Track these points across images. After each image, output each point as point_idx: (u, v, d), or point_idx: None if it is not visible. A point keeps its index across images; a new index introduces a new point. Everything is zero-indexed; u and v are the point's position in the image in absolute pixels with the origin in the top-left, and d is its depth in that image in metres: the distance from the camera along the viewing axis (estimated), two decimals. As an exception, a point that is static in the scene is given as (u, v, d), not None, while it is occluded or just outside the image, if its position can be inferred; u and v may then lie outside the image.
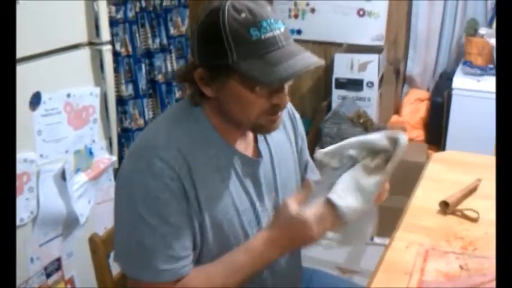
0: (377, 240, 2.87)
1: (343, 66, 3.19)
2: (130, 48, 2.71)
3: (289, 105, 1.40)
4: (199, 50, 1.11)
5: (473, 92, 2.86)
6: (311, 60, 1.10)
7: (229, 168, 1.19)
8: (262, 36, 1.05)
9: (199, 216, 1.14)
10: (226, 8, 1.06)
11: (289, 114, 1.39)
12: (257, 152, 1.27)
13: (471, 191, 1.69)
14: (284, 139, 1.35)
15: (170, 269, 1.11)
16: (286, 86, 1.14)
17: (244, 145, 1.24)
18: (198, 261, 1.18)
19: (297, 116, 1.42)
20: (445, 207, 1.58)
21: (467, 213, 1.56)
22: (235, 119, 1.16)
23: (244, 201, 1.21)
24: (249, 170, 1.23)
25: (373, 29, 3.41)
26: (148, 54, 2.86)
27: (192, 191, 1.12)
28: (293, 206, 1.12)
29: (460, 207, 1.60)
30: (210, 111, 1.18)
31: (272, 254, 1.16)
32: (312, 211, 1.11)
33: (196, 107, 1.19)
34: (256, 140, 1.28)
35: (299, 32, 3.54)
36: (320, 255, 2.52)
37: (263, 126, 1.16)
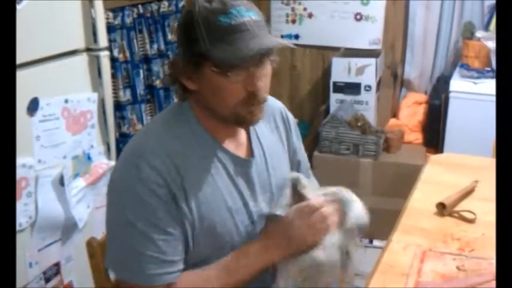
0: (375, 242, 2.87)
1: (341, 70, 3.19)
2: (128, 54, 2.71)
3: (282, 107, 1.42)
4: (179, 43, 1.16)
5: (471, 94, 2.88)
6: (277, 42, 1.11)
7: (221, 168, 1.20)
8: (233, 22, 1.08)
9: (191, 218, 1.15)
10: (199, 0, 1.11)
11: (282, 116, 1.40)
12: (250, 153, 1.28)
13: (468, 192, 1.70)
14: (276, 140, 1.36)
15: (162, 273, 1.13)
16: (264, 74, 1.14)
17: (236, 145, 1.25)
18: (189, 262, 1.19)
19: (291, 117, 1.43)
20: (442, 208, 1.59)
21: (464, 214, 1.57)
22: (216, 111, 1.17)
23: (236, 200, 1.22)
24: (241, 170, 1.24)
25: (370, 33, 3.42)
26: (146, 59, 2.87)
27: (181, 195, 1.13)
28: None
29: (457, 208, 1.60)
30: (198, 110, 1.20)
31: (269, 257, 1.18)
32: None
33: (184, 106, 1.21)
34: (250, 142, 1.29)
35: (297, 36, 3.55)
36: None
37: (243, 118, 1.17)
